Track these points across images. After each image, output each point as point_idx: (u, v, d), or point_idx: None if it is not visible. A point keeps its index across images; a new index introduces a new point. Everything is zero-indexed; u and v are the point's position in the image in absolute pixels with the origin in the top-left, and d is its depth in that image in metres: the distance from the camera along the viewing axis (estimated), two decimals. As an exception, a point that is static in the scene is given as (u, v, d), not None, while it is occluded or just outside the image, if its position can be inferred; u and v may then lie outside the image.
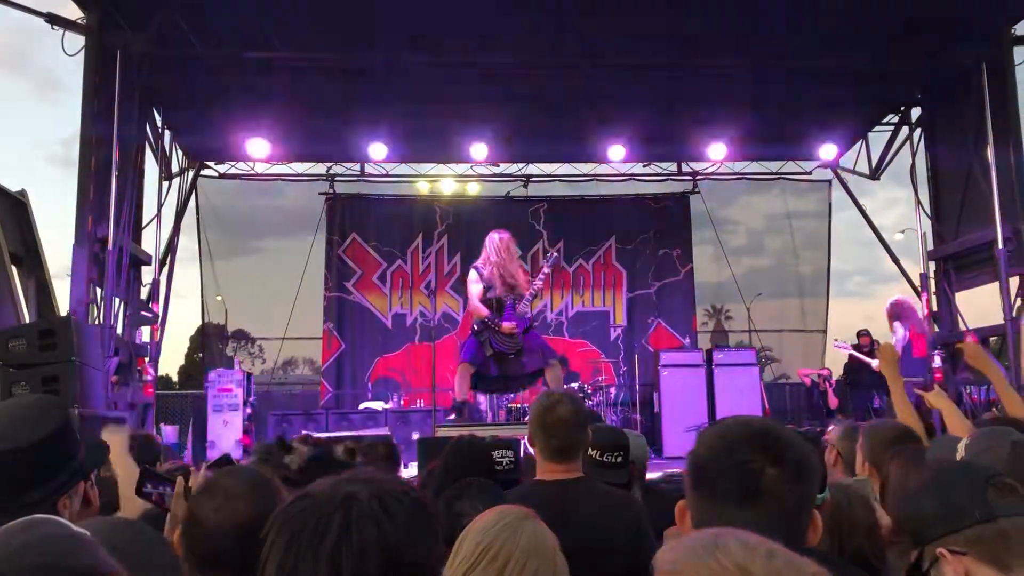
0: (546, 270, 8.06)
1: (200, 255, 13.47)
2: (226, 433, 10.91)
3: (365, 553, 1.05)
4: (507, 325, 7.57)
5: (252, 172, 13.39)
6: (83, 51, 8.99)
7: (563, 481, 2.71)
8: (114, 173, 9.01)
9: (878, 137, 12.98)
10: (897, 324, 9.96)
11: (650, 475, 5.16)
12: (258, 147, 11.83)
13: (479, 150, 11.98)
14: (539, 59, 9.88)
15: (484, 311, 7.66)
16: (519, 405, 10.32)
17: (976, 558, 1.48)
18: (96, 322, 8.79)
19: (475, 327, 7.79)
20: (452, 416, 7.94)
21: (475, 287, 7.78)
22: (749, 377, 11.37)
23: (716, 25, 9.32)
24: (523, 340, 7.73)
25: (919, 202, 11.49)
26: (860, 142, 13.15)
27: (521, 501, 2.02)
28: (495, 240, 7.82)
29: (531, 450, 2.88)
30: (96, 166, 8.93)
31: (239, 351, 16.56)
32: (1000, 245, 9.59)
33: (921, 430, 3.08)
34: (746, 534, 0.94)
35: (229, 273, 13.72)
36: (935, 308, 11.18)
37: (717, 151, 12.44)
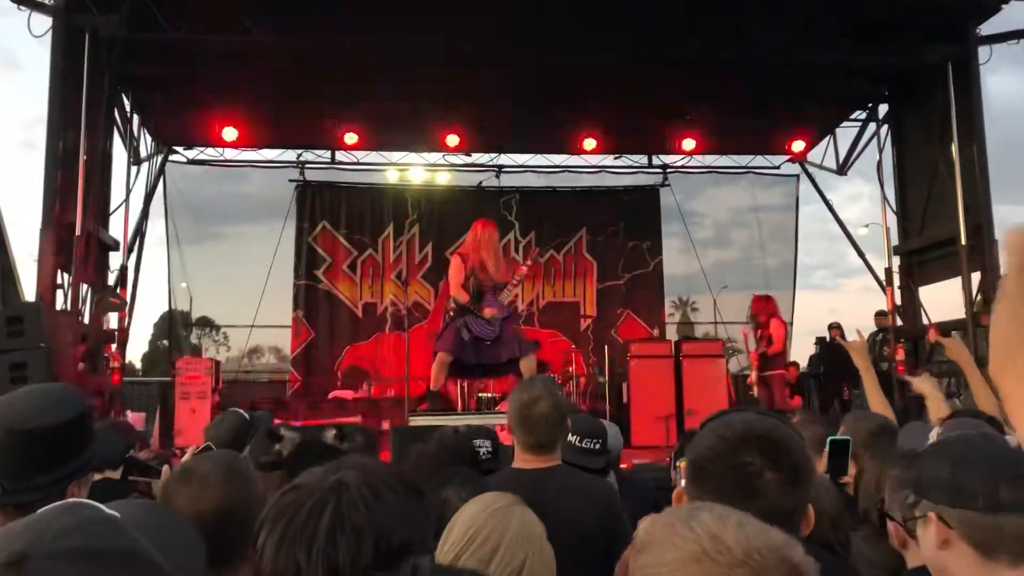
0: (529, 262, 8.13)
1: (168, 241, 13.35)
2: (193, 421, 10.82)
3: (358, 537, 1.07)
4: (488, 311, 7.63)
5: (221, 158, 13.28)
6: (50, 32, 8.87)
7: (540, 469, 2.78)
8: (82, 157, 8.91)
9: (845, 133, 13.20)
10: (775, 321, 10.26)
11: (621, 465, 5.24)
12: (228, 133, 11.74)
13: (452, 140, 12.00)
14: (511, 49, 9.90)
15: (465, 296, 7.71)
16: (490, 394, 10.38)
17: (962, 537, 1.49)
18: (63, 308, 8.71)
19: (451, 313, 7.84)
20: (424, 405, 7.98)
21: (457, 273, 7.84)
22: (716, 368, 11.49)
23: (688, 19, 9.40)
24: (501, 328, 7.79)
25: (885, 198, 11.69)
26: (828, 137, 13.34)
27: (500, 488, 2.09)
28: (478, 230, 7.90)
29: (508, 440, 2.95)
30: (63, 150, 8.83)
31: (203, 338, 16.43)
32: (963, 241, 9.78)
33: (894, 420, 3.17)
34: (719, 506, 0.99)
35: (196, 260, 13.61)
36: (899, 302, 11.39)
37: (688, 145, 12.56)
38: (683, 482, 1.41)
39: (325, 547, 1.07)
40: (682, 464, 1.45)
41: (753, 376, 10.33)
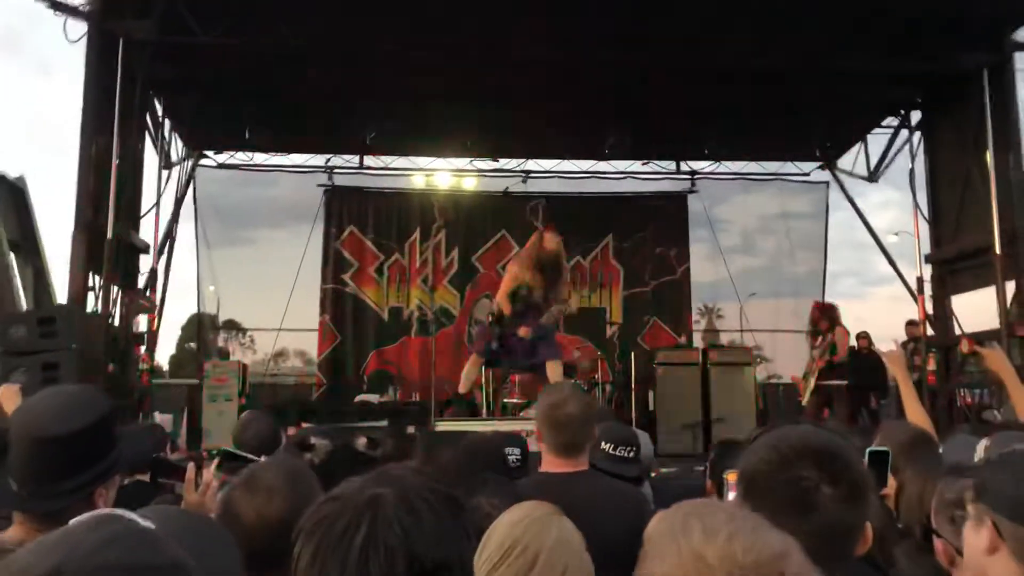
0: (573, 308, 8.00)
1: (197, 244, 13.45)
2: (220, 423, 10.89)
3: (392, 556, 1.05)
4: (524, 330, 7.56)
5: (251, 163, 13.37)
6: (85, 37, 8.97)
7: (568, 474, 2.73)
8: (114, 161, 8.99)
9: (876, 139, 13.05)
10: (840, 329, 9.97)
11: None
12: (257, 138, 11.82)
13: (480, 145, 12.00)
14: (540, 54, 9.88)
15: (508, 308, 7.65)
16: (515, 400, 10.34)
17: (1011, 550, 1.46)
18: (94, 310, 8.79)
19: (489, 317, 7.79)
20: (450, 410, 7.96)
21: (508, 282, 7.79)
22: (744, 376, 11.39)
23: (718, 24, 9.34)
24: (534, 343, 7.73)
25: (917, 205, 11.53)
26: (859, 144, 13.19)
27: (527, 493, 2.05)
28: (534, 239, 7.86)
29: (538, 445, 2.91)
30: (96, 153, 8.92)
31: (230, 341, 16.55)
32: (997, 250, 9.61)
33: (933, 431, 3.11)
34: (718, 512, 0.97)
35: (224, 263, 13.69)
36: (930, 311, 11.23)
37: (716, 151, 12.49)
38: (731, 495, 1.37)
39: (358, 565, 1.06)
40: (730, 476, 1.41)
41: (810, 384, 9.99)
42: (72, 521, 0.88)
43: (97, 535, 0.84)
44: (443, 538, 1.11)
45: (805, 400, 9.89)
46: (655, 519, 1.03)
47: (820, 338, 9.89)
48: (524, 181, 13.80)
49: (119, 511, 0.91)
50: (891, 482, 2.58)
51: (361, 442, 3.04)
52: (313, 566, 1.08)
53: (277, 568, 1.72)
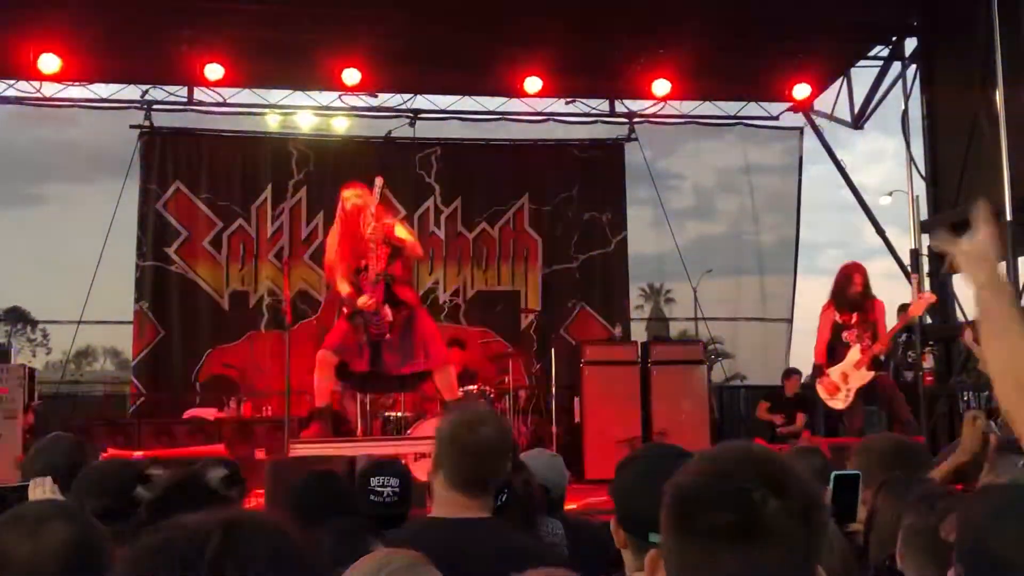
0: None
1: (-36, 207, 13.04)
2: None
3: None
4: (361, 300, 7.60)
5: (38, 95, 12.96)
6: None
7: (464, 520, 2.71)
8: None
9: (862, 74, 13.39)
10: (879, 302, 9.36)
11: (568, 505, 5.27)
12: (47, 62, 11.44)
13: (351, 75, 11.87)
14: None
15: (347, 288, 7.72)
16: (399, 414, 10.33)
17: None
18: None
19: (344, 308, 7.80)
20: (313, 428, 7.91)
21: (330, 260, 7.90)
22: (695, 378, 11.59)
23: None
24: (405, 326, 7.75)
25: (912, 159, 11.86)
26: (840, 80, 13.50)
27: (408, 545, 2.04)
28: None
29: (425, 478, 2.90)
30: None
31: (15, 337, 16.13)
32: (1008, 215, 9.77)
33: None
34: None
35: (4, 231, 13.39)
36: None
37: (661, 87, 12.61)
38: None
39: None
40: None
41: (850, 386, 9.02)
42: None
43: None
44: None
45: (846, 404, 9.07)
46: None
47: (855, 315, 9.04)
48: (412, 124, 13.74)
49: None
50: (861, 513, 2.66)
51: (216, 475, 2.99)
52: None
53: None
